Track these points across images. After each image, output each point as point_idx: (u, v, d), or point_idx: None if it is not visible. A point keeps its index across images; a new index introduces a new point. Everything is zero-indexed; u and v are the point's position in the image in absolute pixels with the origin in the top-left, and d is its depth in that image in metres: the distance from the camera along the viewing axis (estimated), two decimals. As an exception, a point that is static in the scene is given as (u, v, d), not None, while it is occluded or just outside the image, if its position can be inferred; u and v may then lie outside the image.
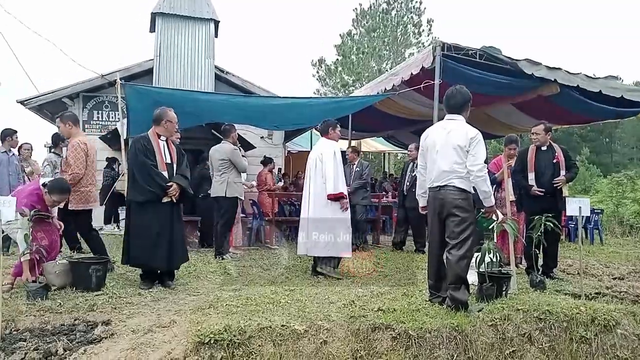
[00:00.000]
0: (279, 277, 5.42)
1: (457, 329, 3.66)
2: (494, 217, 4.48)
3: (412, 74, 7.94)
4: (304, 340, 3.51)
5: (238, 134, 10.44)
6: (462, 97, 4.36)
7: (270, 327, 3.50)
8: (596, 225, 10.14)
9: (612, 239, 11.28)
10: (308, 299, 4.37)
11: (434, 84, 7.40)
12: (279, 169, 11.15)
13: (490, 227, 5.08)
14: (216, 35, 12.36)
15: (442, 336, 3.61)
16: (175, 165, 4.88)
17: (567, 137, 40.52)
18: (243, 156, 6.99)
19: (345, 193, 5.61)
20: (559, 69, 8.09)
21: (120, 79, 7.52)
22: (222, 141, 6.82)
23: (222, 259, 6.52)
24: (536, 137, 5.86)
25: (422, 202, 4.57)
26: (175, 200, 4.77)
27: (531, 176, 5.79)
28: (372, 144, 18.00)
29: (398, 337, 3.57)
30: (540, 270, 5.43)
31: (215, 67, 12.17)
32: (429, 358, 3.53)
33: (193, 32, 11.98)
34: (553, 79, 7.99)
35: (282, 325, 3.55)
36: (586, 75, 8.53)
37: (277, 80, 53.43)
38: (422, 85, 8.02)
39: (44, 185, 4.42)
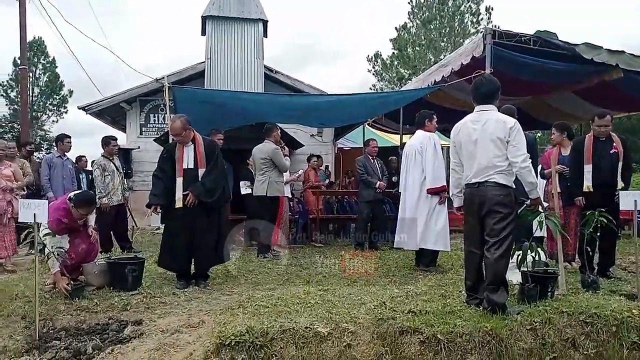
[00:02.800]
0: (315, 277, 5.35)
1: (491, 333, 3.44)
2: (540, 209, 4.18)
3: (462, 64, 7.66)
4: (328, 343, 3.42)
5: (287, 132, 10.57)
6: (492, 85, 4.11)
7: (294, 329, 3.44)
8: (669, 219, 9.30)
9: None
10: (340, 300, 4.28)
11: (485, 73, 7.11)
12: (326, 166, 11.09)
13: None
14: (265, 35, 12.50)
15: (474, 340, 3.41)
16: (200, 170, 4.87)
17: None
18: (286, 156, 6.96)
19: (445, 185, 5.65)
20: (622, 52, 7.52)
21: (174, 82, 7.79)
22: (265, 140, 6.84)
23: (264, 257, 6.55)
24: (605, 129, 5.34)
25: (456, 203, 4.34)
26: (191, 207, 4.76)
27: (588, 168, 5.31)
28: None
29: (426, 341, 3.41)
30: (596, 269, 5.04)
31: (265, 66, 12.33)
32: (461, 364, 3.34)
33: (242, 33, 12.20)
34: (615, 64, 7.46)
35: (306, 327, 3.49)
36: (652, 56, 7.90)
37: (333, 78, 53.51)
38: (473, 76, 7.70)
39: (70, 199, 4.54)
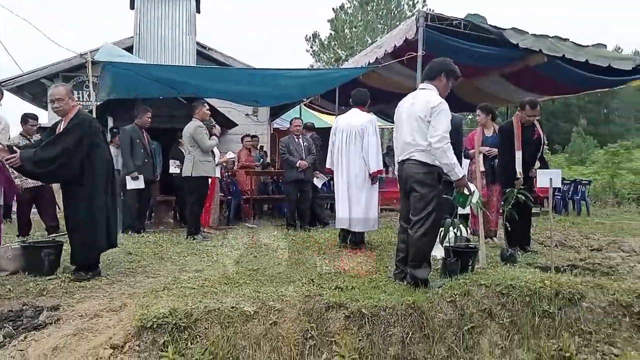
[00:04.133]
0: (245, 257, 5.29)
1: (413, 306, 3.54)
2: (465, 191, 4.23)
3: (395, 46, 7.73)
4: (254, 321, 3.39)
5: (220, 111, 10.31)
6: (437, 65, 4.15)
7: (219, 309, 3.38)
8: (583, 197, 10.00)
9: (602, 210, 11.14)
10: (269, 279, 4.26)
11: (417, 55, 7.21)
12: (261, 147, 10.98)
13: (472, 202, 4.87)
14: (198, 11, 12.09)
15: (397, 313, 3.49)
16: None
17: (565, 108, 40.13)
18: (214, 135, 6.76)
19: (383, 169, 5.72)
20: (546, 37, 7.84)
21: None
22: (192, 117, 6.63)
23: (194, 239, 6.40)
24: (534, 118, 5.52)
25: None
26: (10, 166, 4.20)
27: (519, 155, 5.42)
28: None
29: (351, 315, 3.46)
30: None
31: (197, 43, 11.94)
32: (383, 336, 3.42)
33: (173, 8, 11.73)
34: (538, 49, 7.78)
35: (232, 307, 3.44)
36: (574, 43, 8.29)
37: (270, 57, 52.81)
38: (405, 58, 7.80)
39: None
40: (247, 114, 12.36)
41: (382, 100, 12.85)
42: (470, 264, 4.29)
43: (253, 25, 58.67)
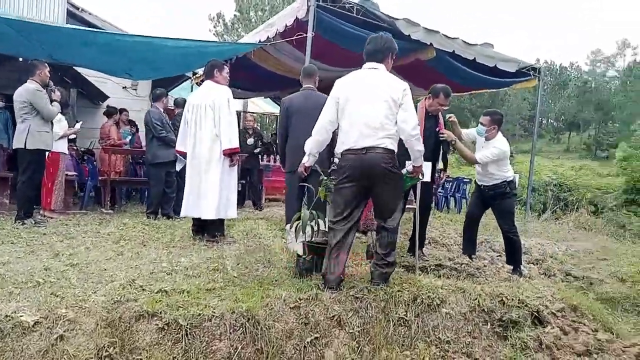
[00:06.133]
0: (74, 249, 4.38)
1: (246, 314, 2.93)
2: (420, 176, 3.94)
3: (286, 25, 7.15)
4: (33, 335, 2.60)
5: (90, 81, 9.09)
6: (384, 44, 3.62)
7: (-13, 318, 2.55)
8: (464, 195, 10.11)
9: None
10: (85, 277, 3.46)
11: (307, 36, 6.67)
12: (132, 122, 9.86)
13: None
14: (73, -34, 10.60)
15: (225, 324, 2.86)
16: None
17: (459, 111, 42.35)
18: (54, 101, 5.69)
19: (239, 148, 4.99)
20: (437, 32, 7.69)
21: None
22: (28, 80, 5.52)
23: (23, 224, 5.34)
24: (443, 108, 5.12)
25: (310, 161, 3.77)
26: None
27: None
28: (262, 105, 16.97)
29: (166, 327, 2.77)
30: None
31: (68, 2, 10.47)
32: (204, 353, 2.77)
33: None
34: (429, 43, 7.60)
35: (6, 316, 2.62)
36: (464, 41, 8.26)
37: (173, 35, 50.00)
38: (294, 38, 7.23)
39: None
40: (124, 87, 11.15)
41: (277, 85, 12.28)
42: (329, 262, 3.77)
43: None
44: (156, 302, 2.96)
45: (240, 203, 8.11)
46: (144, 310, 2.81)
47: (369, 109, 3.45)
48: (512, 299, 3.59)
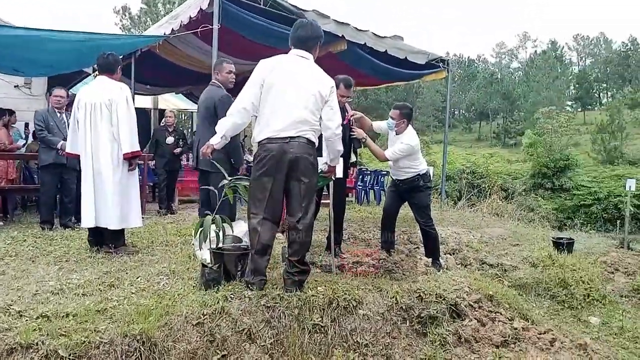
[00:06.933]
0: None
1: (140, 337, 2.59)
2: (333, 176, 3.92)
3: (191, 17, 6.82)
4: None
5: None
6: (313, 32, 3.41)
7: None
8: (382, 187, 10.18)
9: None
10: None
11: (212, 28, 6.30)
12: (26, 124, 8.95)
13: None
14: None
15: (115, 350, 2.52)
16: None
17: (377, 104, 43.32)
18: None
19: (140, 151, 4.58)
20: (347, 24, 7.67)
21: None
22: None
23: None
24: (347, 99, 4.92)
25: (220, 144, 3.42)
26: None
27: None
28: (173, 102, 16.23)
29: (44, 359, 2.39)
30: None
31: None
32: (91, 387, 2.42)
33: None
34: (341, 35, 7.52)
35: None
36: (374, 34, 8.27)
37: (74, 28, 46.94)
38: (199, 30, 6.85)
39: None
40: (16, 86, 10.12)
41: (187, 81, 11.72)
42: (239, 269, 3.49)
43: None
44: (33, 330, 2.56)
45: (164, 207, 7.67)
46: (17, 343, 2.40)
47: (294, 99, 3.25)
48: (430, 294, 3.53)
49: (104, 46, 7.50)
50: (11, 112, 8.04)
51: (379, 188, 10.12)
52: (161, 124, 8.64)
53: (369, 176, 10.10)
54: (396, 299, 3.43)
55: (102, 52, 4.64)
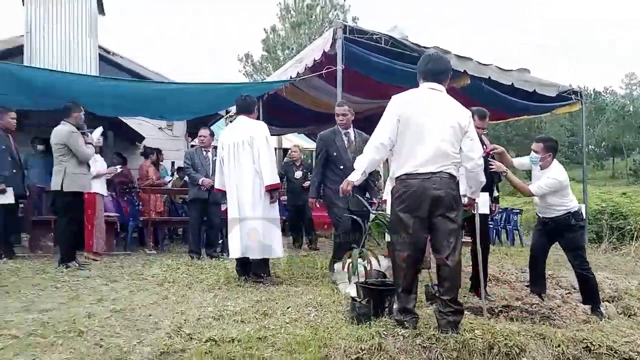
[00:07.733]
0: (118, 292, 4.21)
1: None
2: (473, 210, 3.84)
3: (314, 60, 7.06)
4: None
5: (125, 122, 9.16)
6: (445, 64, 3.45)
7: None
8: (515, 226, 9.59)
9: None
10: (128, 324, 3.25)
11: (336, 70, 6.51)
12: (172, 163, 9.83)
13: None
14: (102, 12, 10.85)
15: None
16: None
17: (496, 139, 41.35)
18: (89, 143, 5.61)
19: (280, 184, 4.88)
20: (470, 59, 7.51)
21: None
22: (62, 122, 5.48)
23: (67, 267, 5.24)
24: (481, 131, 4.81)
25: (360, 180, 3.45)
26: None
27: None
28: (296, 141, 17.00)
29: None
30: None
31: (101, 47, 10.63)
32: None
33: (70, 6, 10.22)
34: (463, 70, 7.35)
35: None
36: (498, 67, 8.01)
37: (204, 75, 50.92)
38: (324, 72, 7.07)
39: None
40: (160, 128, 11.23)
41: (310, 121, 12.17)
42: (386, 305, 3.45)
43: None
44: (205, 353, 2.71)
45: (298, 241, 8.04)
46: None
47: (434, 132, 3.19)
48: (600, 346, 3.18)
49: (240, 91, 8.11)
50: (159, 151, 8.91)
51: (511, 227, 9.55)
52: (285, 160, 8.98)
53: (500, 215, 9.58)
54: (562, 348, 3.14)
55: (240, 95, 4.97)
